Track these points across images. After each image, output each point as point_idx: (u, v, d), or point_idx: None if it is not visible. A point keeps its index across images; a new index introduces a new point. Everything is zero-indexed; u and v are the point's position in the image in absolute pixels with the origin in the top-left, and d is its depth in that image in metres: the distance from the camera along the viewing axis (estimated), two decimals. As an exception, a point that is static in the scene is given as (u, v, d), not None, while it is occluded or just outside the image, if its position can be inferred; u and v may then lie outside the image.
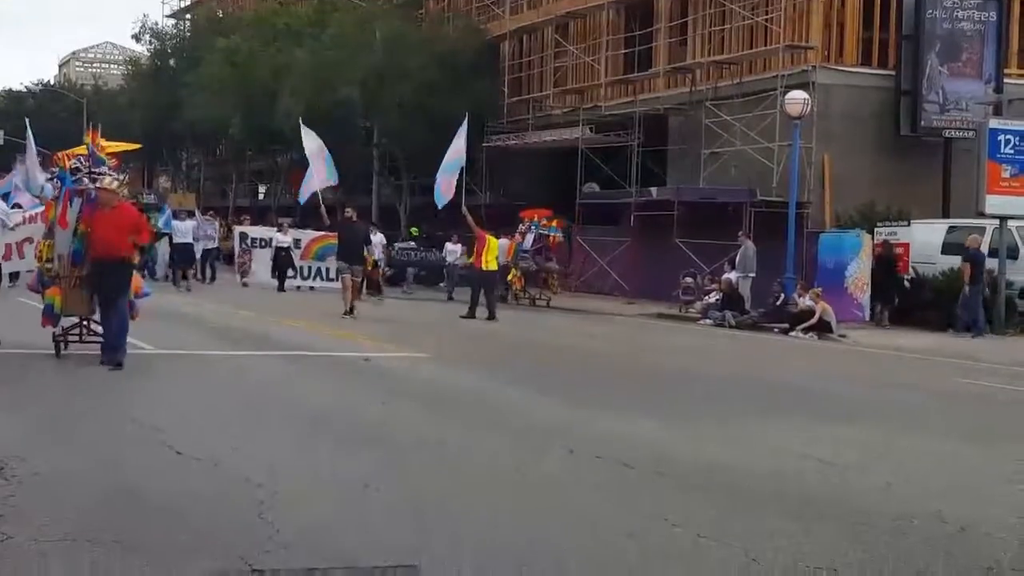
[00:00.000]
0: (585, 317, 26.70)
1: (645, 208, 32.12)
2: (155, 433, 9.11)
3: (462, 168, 25.90)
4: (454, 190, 25.55)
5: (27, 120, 22.85)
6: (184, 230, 30.93)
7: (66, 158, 15.16)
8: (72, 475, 7.62)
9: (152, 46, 60.57)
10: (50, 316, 13.50)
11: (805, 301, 23.58)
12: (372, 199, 44.20)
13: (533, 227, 31.59)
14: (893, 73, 29.92)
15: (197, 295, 27.22)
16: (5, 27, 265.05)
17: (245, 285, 31.86)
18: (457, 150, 25.53)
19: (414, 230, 34.13)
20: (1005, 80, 29.39)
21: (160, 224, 30.54)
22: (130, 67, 65.91)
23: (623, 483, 8.16)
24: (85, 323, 13.86)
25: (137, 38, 60.21)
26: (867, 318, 24.82)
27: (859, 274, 25.05)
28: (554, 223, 32.31)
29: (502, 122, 40.32)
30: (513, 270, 29.92)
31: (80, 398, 10.84)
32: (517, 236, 31.02)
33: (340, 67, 39.82)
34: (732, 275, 26.55)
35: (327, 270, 30.87)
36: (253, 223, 37.89)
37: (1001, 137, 23.92)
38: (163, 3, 69.86)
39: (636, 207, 32.54)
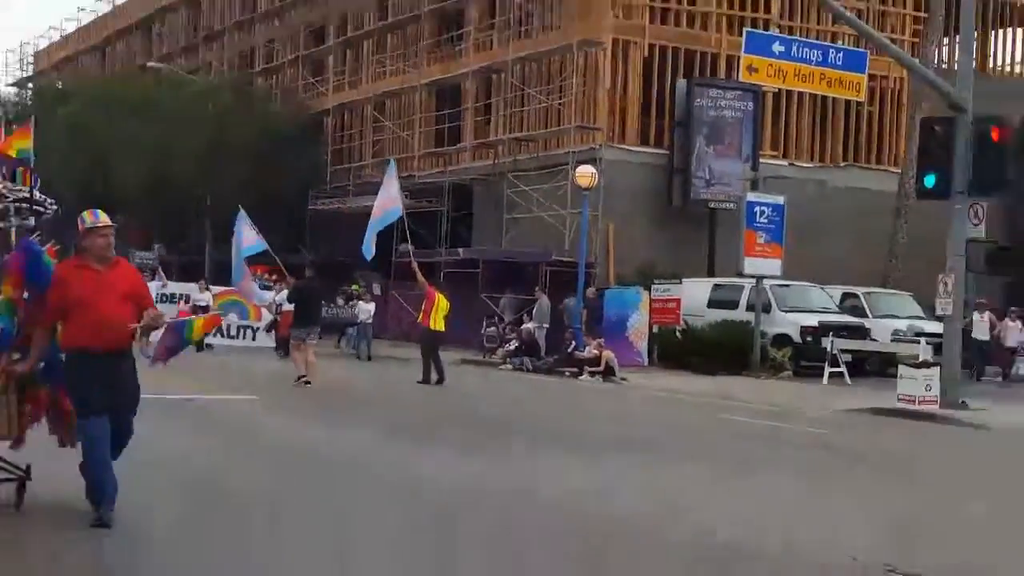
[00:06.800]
0: (396, 364, 26.66)
1: (455, 266, 32.73)
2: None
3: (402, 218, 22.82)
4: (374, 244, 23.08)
5: None
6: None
7: None
8: None
9: (-8, 113, 58.52)
10: None
11: (591, 350, 24.47)
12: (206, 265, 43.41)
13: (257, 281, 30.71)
14: (668, 153, 31.43)
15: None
16: None
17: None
18: (388, 200, 22.70)
19: (356, 287, 32.65)
20: (760, 160, 31.25)
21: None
22: (-31, 133, 63.23)
23: (437, 524, 8.13)
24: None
25: (-24, 105, 58.07)
26: (645, 363, 25.80)
27: (639, 325, 26.07)
28: (274, 277, 31.13)
29: (326, 188, 40.52)
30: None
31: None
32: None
33: (175, 139, 39.29)
34: (530, 325, 27.35)
35: (227, 327, 28.38)
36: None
37: (757, 208, 25.35)
38: (5, 72, 67.82)
39: (446, 265, 33.08)
